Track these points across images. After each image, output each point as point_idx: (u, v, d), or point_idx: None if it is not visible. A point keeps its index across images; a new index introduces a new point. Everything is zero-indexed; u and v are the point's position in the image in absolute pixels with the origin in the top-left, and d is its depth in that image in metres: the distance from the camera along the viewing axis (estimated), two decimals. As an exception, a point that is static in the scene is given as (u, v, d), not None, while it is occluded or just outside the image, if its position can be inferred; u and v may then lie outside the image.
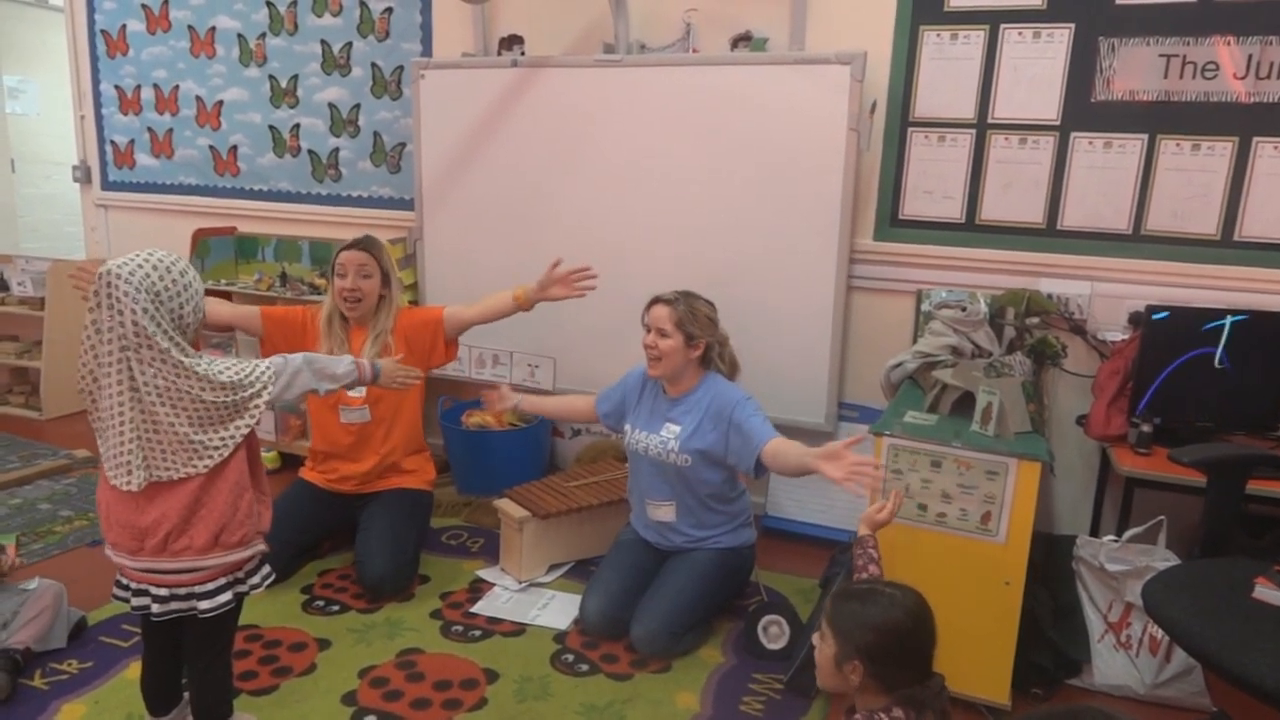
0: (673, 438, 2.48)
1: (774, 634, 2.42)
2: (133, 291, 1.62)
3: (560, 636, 2.49)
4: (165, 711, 1.94)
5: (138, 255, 1.68)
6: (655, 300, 2.52)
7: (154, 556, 1.72)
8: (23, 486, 3.47)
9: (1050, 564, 2.50)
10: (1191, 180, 2.69)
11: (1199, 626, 1.64)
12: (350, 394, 2.78)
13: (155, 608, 1.76)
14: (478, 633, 2.50)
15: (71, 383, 4.69)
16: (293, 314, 2.87)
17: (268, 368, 1.83)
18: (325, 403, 2.87)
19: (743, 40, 3.12)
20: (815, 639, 1.58)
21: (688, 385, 2.53)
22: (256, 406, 1.78)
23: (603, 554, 2.74)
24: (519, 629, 2.52)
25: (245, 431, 1.76)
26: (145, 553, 1.72)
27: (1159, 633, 2.17)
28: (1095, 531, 2.78)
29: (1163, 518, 2.28)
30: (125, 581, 1.80)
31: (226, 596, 1.78)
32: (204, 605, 1.76)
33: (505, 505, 2.84)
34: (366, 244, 2.82)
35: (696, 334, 2.46)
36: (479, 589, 2.75)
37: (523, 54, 3.44)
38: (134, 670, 2.21)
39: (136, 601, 1.78)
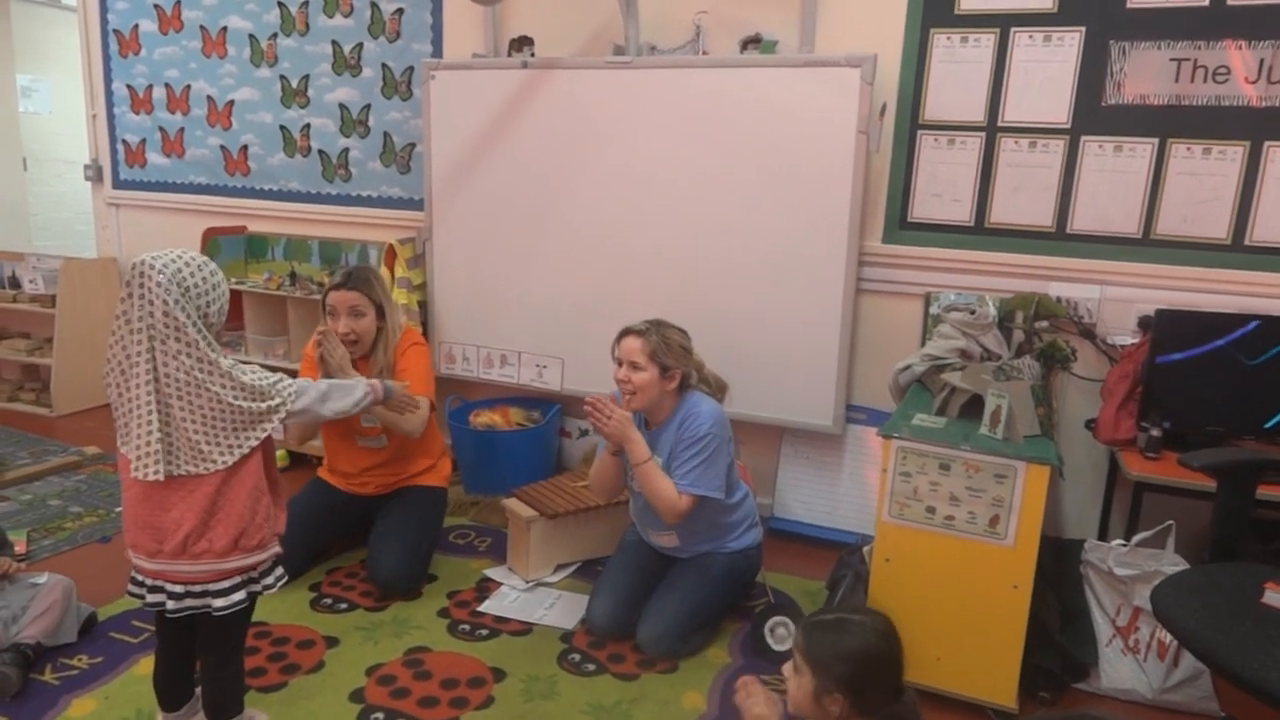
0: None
1: (781, 635, 2.42)
2: (165, 282, 1.65)
3: (567, 636, 2.50)
4: (177, 707, 1.95)
5: (171, 251, 1.72)
6: (625, 332, 2.42)
7: (173, 559, 1.73)
8: (33, 483, 3.49)
9: (1058, 568, 2.49)
10: (1202, 184, 2.69)
11: (1208, 631, 1.64)
12: (364, 423, 2.76)
13: (170, 604, 1.77)
14: (485, 632, 2.51)
15: (81, 380, 4.68)
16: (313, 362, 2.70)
17: (290, 384, 1.85)
18: (340, 432, 2.81)
19: (752, 42, 3.12)
20: (787, 670, 1.57)
21: (665, 414, 2.45)
22: (270, 420, 1.79)
23: (609, 554, 2.74)
24: (526, 628, 2.53)
25: (253, 444, 1.76)
26: (164, 555, 1.73)
27: (1167, 637, 2.16)
28: (1104, 535, 2.78)
29: (1171, 522, 2.28)
30: (140, 578, 1.81)
31: (240, 595, 1.80)
32: (218, 603, 1.77)
33: (513, 505, 2.85)
34: (356, 280, 2.68)
35: (671, 365, 2.38)
36: (486, 588, 2.76)
37: (533, 55, 3.45)
38: (144, 666, 2.23)
39: (152, 598, 1.79)
